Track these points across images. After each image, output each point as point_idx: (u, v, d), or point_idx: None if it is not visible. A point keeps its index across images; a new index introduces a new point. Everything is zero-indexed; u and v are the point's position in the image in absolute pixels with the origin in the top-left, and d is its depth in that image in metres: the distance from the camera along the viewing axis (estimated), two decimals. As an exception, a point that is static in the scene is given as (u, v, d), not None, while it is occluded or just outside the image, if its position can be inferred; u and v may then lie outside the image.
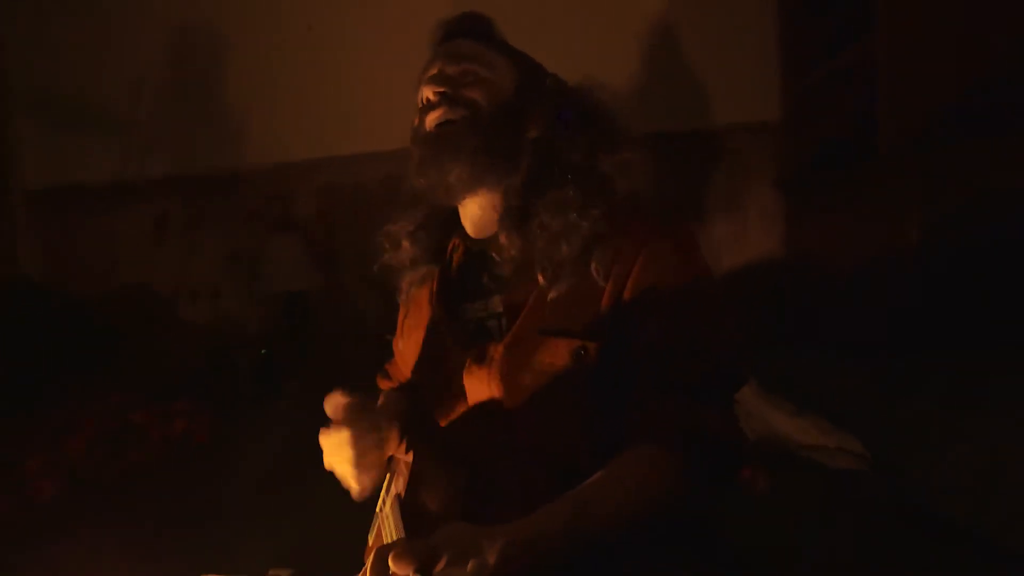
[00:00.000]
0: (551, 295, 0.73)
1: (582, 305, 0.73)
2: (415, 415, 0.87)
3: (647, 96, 2.04)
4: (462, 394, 0.78)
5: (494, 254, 0.82)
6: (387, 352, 1.05)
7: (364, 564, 0.78)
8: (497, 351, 0.75)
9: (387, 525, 0.73)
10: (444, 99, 0.78)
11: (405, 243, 0.89)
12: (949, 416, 1.05)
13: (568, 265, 0.73)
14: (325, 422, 0.75)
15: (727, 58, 2.01)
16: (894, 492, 1.08)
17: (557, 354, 0.73)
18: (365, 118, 2.18)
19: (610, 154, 0.78)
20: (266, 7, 2.21)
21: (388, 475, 0.84)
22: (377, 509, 0.81)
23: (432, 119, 0.79)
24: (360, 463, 0.75)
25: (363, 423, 0.75)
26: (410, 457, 0.82)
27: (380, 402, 0.92)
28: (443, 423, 0.81)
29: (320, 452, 0.78)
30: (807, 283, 1.89)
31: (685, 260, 0.75)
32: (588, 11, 2.05)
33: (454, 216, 0.88)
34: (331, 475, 0.86)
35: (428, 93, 0.80)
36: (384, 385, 1.03)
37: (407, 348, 0.92)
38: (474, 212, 0.84)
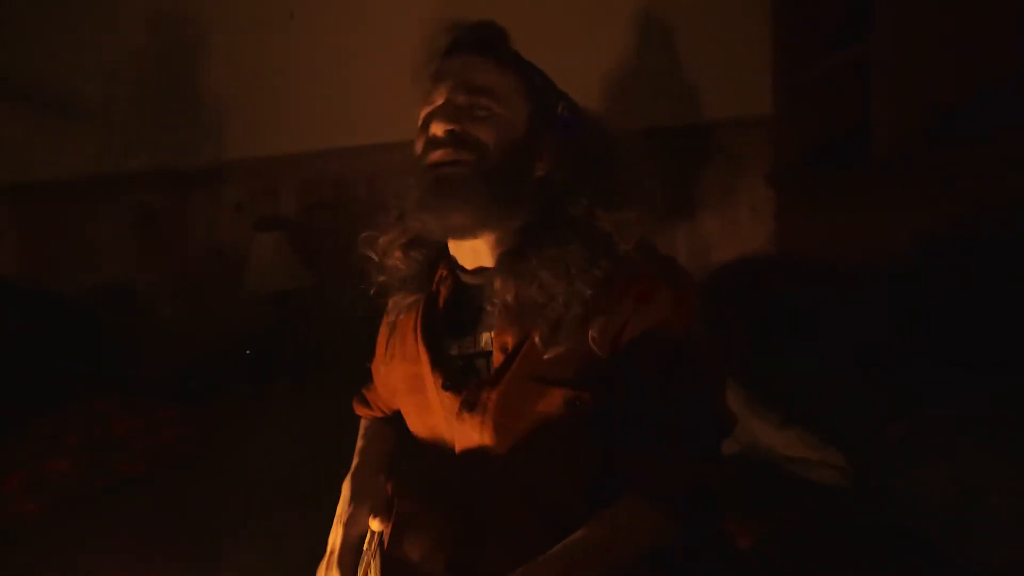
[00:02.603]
0: (547, 355, 0.71)
1: (577, 353, 0.71)
2: (399, 457, 0.86)
3: (638, 90, 2.00)
4: (451, 436, 0.77)
5: (486, 292, 0.79)
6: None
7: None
8: (490, 398, 0.73)
9: (372, 570, 0.72)
10: (452, 138, 0.73)
11: (397, 255, 0.85)
12: (936, 434, 1.05)
13: (565, 327, 0.70)
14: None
15: (719, 52, 1.96)
16: (875, 509, 1.09)
17: (551, 403, 0.71)
18: (350, 111, 2.13)
19: (608, 211, 0.74)
20: (247, -7, 2.13)
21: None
22: (364, 547, 0.81)
23: (436, 157, 0.74)
24: None
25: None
26: (395, 500, 0.81)
27: (356, 465, 0.87)
28: (433, 465, 0.80)
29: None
30: (797, 283, 1.88)
31: (680, 312, 0.73)
32: (579, 4, 1.99)
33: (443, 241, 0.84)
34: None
35: (436, 129, 0.74)
36: (363, 412, 1.00)
37: (391, 378, 0.89)
38: (469, 247, 0.80)
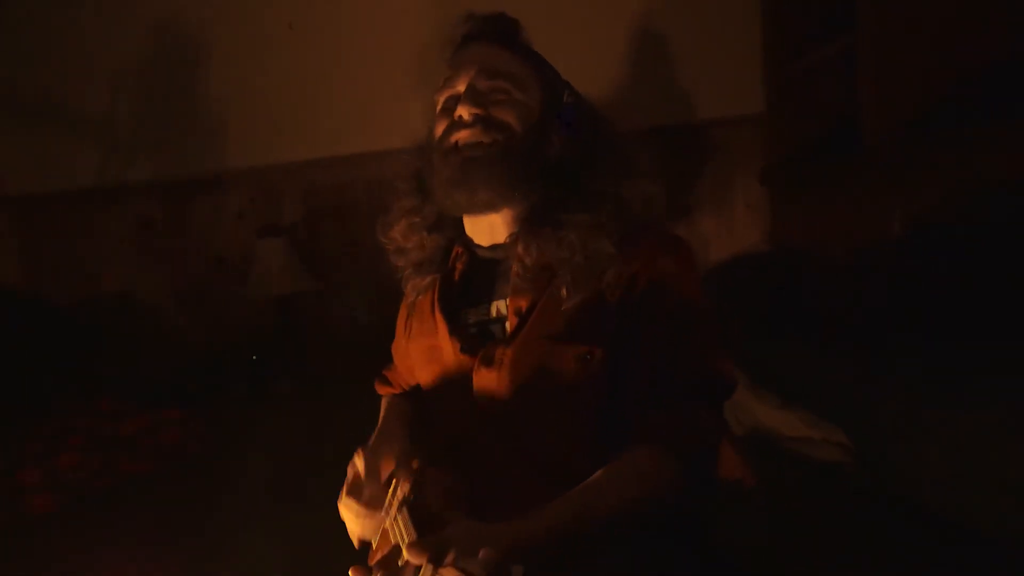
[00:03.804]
0: (565, 306, 0.76)
1: (589, 313, 0.77)
2: (420, 422, 0.89)
3: (632, 91, 2.05)
4: (468, 400, 0.80)
5: (505, 259, 0.84)
6: (381, 355, 1.05)
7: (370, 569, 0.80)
8: (506, 354, 0.77)
9: (396, 529, 0.74)
10: (479, 121, 0.79)
11: (416, 239, 0.89)
12: (931, 408, 1.07)
13: (584, 278, 0.76)
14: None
15: (710, 51, 2.02)
16: (878, 483, 1.11)
17: (563, 360, 0.76)
18: (350, 119, 2.17)
19: (632, 183, 0.81)
20: (247, 4, 2.17)
21: (393, 480, 0.85)
22: (382, 513, 0.82)
23: (463, 137, 0.79)
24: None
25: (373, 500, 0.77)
26: (416, 463, 0.83)
27: (378, 433, 0.90)
28: (449, 428, 0.84)
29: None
30: (793, 275, 1.91)
31: (684, 277, 0.79)
32: (573, 6, 2.04)
33: (458, 220, 0.90)
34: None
35: (463, 112, 0.79)
36: (384, 391, 1.03)
37: (409, 353, 0.93)
38: (487, 224, 0.86)
